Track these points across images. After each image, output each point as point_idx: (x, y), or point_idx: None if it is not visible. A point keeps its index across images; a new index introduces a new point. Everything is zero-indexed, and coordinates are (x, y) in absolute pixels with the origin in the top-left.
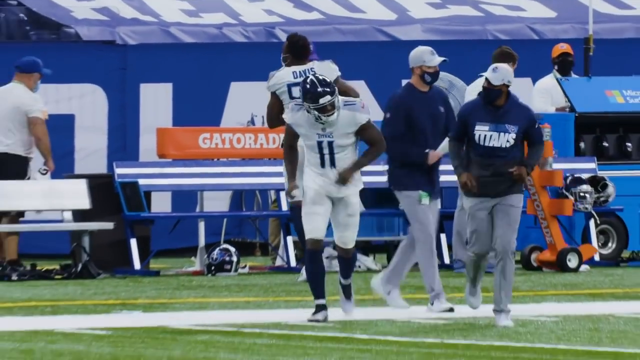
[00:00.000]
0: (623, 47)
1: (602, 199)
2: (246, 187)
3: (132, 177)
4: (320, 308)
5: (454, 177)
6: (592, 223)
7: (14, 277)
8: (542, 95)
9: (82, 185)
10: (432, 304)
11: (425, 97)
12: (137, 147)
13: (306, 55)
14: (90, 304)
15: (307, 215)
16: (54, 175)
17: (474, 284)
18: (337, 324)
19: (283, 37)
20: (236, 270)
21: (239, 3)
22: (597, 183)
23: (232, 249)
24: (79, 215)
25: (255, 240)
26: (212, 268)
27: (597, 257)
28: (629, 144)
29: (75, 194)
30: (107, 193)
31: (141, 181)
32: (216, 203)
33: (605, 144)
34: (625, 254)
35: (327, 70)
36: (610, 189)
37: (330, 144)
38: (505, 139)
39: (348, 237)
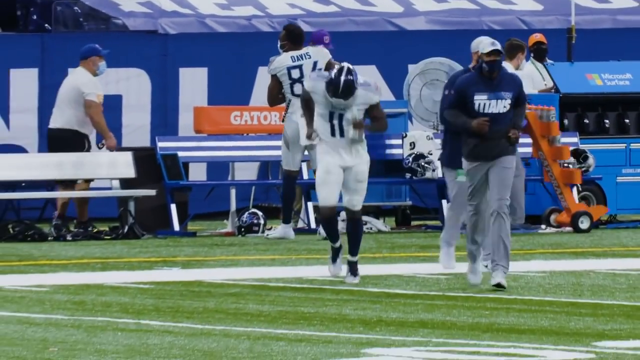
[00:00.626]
0: (601, 36)
1: (583, 169)
2: (272, 158)
3: (172, 150)
4: (337, 251)
5: None
6: (574, 190)
7: (69, 237)
8: (524, 80)
9: (128, 157)
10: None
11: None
12: (176, 124)
13: (302, 42)
14: (135, 261)
15: (321, 184)
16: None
17: (473, 259)
18: None
19: (305, 27)
20: (263, 231)
21: None
22: (579, 155)
23: (260, 213)
24: (126, 183)
25: (280, 206)
26: (242, 230)
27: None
28: (607, 121)
29: (122, 165)
30: (150, 164)
31: (180, 153)
32: (245, 172)
33: (586, 120)
34: (604, 217)
35: (320, 54)
36: (591, 160)
37: (340, 115)
38: (502, 105)
39: (356, 200)
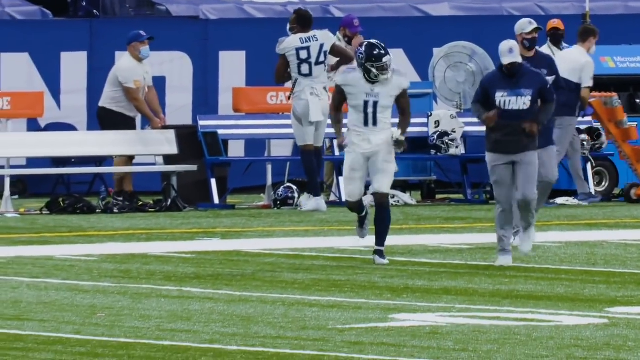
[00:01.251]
0: (614, 21)
1: (597, 146)
2: None
3: (212, 128)
4: (363, 219)
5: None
6: (589, 166)
7: (116, 210)
8: None
9: (171, 134)
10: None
11: (529, 61)
12: (216, 103)
13: (310, 25)
14: (177, 232)
15: (347, 179)
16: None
17: (503, 245)
18: None
19: (337, 13)
20: (297, 204)
21: None
22: (593, 133)
23: (294, 187)
24: (169, 159)
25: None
26: (278, 203)
27: (593, 194)
28: (619, 101)
29: (165, 142)
30: (192, 141)
31: (220, 131)
32: (281, 149)
33: None
34: (616, 191)
35: (327, 37)
36: (604, 138)
37: (375, 104)
38: (522, 102)
39: (384, 182)
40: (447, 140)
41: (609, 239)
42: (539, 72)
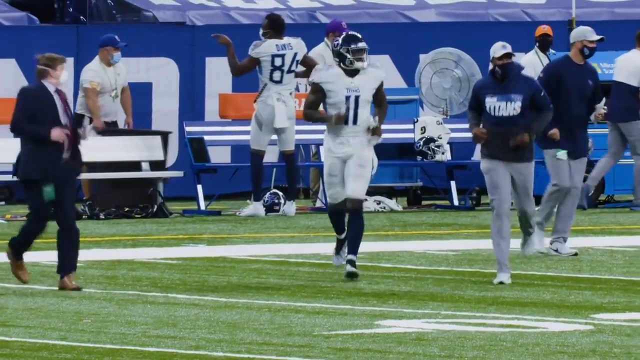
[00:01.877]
0: (600, 28)
1: None
2: None
3: (198, 134)
4: (341, 243)
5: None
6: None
7: (102, 216)
8: (527, 69)
9: (157, 140)
10: (555, 249)
11: (578, 69)
12: (203, 109)
13: (283, 30)
14: (163, 238)
15: (327, 184)
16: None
17: (502, 267)
18: (366, 254)
19: (323, 19)
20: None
21: None
22: None
23: (280, 193)
24: (155, 165)
25: (299, 186)
26: (264, 208)
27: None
28: (605, 107)
29: (151, 148)
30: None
31: (206, 137)
32: (267, 155)
33: None
34: (602, 197)
35: (300, 46)
36: (590, 144)
37: (357, 98)
38: (512, 107)
39: (357, 187)
40: (433, 147)
41: (595, 245)
42: (531, 77)
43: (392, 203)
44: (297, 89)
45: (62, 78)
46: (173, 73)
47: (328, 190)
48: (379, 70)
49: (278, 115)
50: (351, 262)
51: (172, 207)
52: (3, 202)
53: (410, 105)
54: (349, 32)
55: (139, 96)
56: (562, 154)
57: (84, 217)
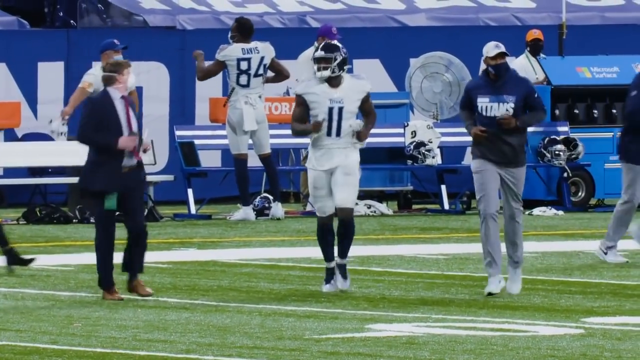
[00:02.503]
0: (590, 32)
1: (573, 156)
2: (282, 146)
3: (189, 138)
4: (331, 272)
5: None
6: (565, 176)
7: (92, 220)
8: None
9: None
10: (605, 253)
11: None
12: (193, 114)
13: (250, 35)
14: (154, 242)
15: (314, 197)
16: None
17: (493, 270)
18: (357, 258)
19: (313, 23)
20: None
21: None
22: (570, 143)
23: (271, 197)
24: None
25: (290, 190)
26: (254, 212)
27: (569, 204)
28: (595, 111)
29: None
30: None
31: (196, 141)
32: (257, 159)
33: (576, 111)
34: (592, 201)
35: (268, 50)
36: (580, 148)
37: (340, 110)
38: (504, 108)
39: (346, 197)
40: (423, 151)
41: (586, 249)
42: (524, 78)
43: (382, 207)
44: (287, 92)
45: (129, 82)
46: (163, 77)
47: (315, 204)
48: (364, 82)
49: (246, 118)
50: (342, 269)
51: (162, 211)
52: None
53: (400, 110)
54: (325, 42)
55: None
56: None
57: (74, 221)
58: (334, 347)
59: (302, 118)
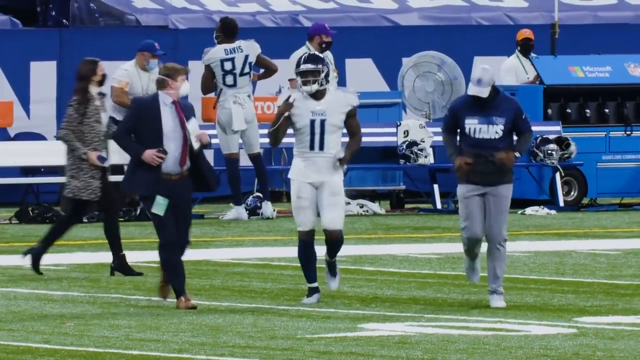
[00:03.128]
0: (583, 31)
1: (565, 155)
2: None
3: None
4: (313, 291)
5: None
6: (557, 175)
7: (85, 220)
8: (507, 73)
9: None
10: None
11: None
12: None
13: (234, 35)
14: (146, 242)
15: (295, 209)
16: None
17: (471, 264)
18: (349, 258)
19: (306, 23)
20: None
21: None
22: (562, 142)
23: (262, 196)
24: None
25: (282, 189)
26: (247, 212)
27: (561, 203)
28: (588, 111)
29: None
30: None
31: None
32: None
33: (569, 110)
34: (585, 200)
35: (252, 48)
36: (573, 147)
37: (322, 123)
38: (494, 131)
39: (333, 218)
40: (416, 150)
41: (578, 248)
42: (513, 98)
43: (375, 206)
44: (279, 91)
45: (182, 90)
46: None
47: (297, 217)
48: (350, 95)
49: (235, 118)
50: (330, 265)
51: None
52: None
53: (393, 109)
54: (309, 53)
55: None
56: None
57: None
58: (326, 346)
59: (283, 130)
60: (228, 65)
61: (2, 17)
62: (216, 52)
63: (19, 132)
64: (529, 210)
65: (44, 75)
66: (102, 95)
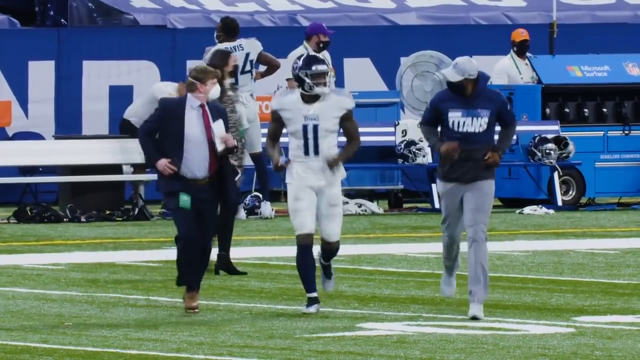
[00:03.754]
0: (581, 31)
1: (564, 155)
2: None
3: None
4: (313, 301)
5: None
6: (555, 175)
7: (83, 219)
8: (499, 75)
9: (136, 143)
10: None
11: None
12: None
13: (236, 34)
14: (145, 241)
15: (293, 212)
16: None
17: (449, 273)
18: (347, 257)
19: (304, 22)
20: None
21: None
22: (560, 142)
23: (262, 196)
24: (137, 167)
25: (280, 189)
26: (245, 211)
27: (559, 203)
28: (586, 110)
29: (133, 151)
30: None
31: None
32: (248, 158)
33: (567, 110)
34: (583, 200)
35: (253, 45)
36: (571, 147)
37: (315, 127)
38: (478, 124)
39: (332, 230)
40: (414, 149)
41: (576, 248)
42: (497, 91)
43: (373, 206)
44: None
45: (211, 93)
46: (154, 76)
47: (295, 220)
48: (345, 98)
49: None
50: (325, 268)
51: (153, 210)
52: None
53: (391, 108)
54: (310, 54)
55: (120, 99)
56: None
57: (65, 220)
58: (324, 346)
59: (275, 135)
60: None
61: (0, 17)
62: None
63: (17, 132)
64: (527, 210)
65: (42, 75)
66: (234, 85)
